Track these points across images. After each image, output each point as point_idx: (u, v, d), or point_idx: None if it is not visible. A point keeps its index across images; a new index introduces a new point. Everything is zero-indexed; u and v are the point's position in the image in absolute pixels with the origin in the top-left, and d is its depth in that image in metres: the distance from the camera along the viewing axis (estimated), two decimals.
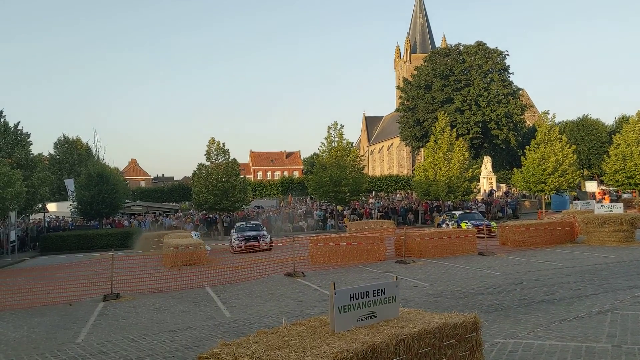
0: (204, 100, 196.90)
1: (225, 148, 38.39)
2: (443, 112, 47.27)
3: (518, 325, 9.30)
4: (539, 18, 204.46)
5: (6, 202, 25.18)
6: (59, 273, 19.13)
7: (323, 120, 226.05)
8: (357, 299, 5.41)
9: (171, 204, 59.43)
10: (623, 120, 59.90)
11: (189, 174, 45.48)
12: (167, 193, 67.06)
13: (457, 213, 29.87)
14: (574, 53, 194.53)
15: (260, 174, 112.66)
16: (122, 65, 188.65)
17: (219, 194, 36.59)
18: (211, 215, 39.94)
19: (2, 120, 32.83)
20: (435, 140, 41.74)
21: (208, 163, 38.28)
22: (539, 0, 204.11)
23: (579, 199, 43.86)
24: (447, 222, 29.52)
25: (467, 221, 27.50)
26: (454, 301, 11.66)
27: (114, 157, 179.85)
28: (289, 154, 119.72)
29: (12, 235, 30.62)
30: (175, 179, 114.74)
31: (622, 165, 44.47)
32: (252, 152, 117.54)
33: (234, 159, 39.19)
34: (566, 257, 18.89)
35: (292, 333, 5.30)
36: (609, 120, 70.17)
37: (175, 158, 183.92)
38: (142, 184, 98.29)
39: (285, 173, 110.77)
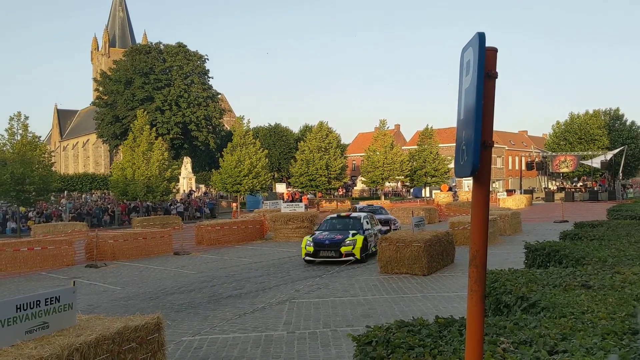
0: None
1: None
2: (143, 110, 46.17)
3: (206, 322, 9.61)
4: (236, 23, 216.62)
5: None
6: None
7: (6, 111, 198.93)
8: (24, 310, 4.86)
9: None
10: (307, 129, 67.53)
11: None
12: None
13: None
14: (270, 64, 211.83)
15: None
16: None
17: None
18: None
19: None
20: (134, 139, 40.52)
21: None
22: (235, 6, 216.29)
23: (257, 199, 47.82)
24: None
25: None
26: (145, 303, 11.47)
27: None
28: None
29: None
30: None
31: (306, 169, 50.18)
32: None
33: None
34: (255, 253, 20.34)
35: None
36: (295, 128, 78.41)
37: None
38: None
39: None
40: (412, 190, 64.76)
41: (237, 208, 43.31)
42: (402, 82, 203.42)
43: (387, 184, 57.93)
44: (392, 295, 11.45)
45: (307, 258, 16.35)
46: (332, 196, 59.62)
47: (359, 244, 16.21)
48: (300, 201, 46.17)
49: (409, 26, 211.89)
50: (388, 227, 22.31)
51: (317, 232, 17.56)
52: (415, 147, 60.37)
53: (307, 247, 16.43)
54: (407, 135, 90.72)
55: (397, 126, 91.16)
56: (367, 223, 17.95)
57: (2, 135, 35.10)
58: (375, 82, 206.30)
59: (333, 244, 16.30)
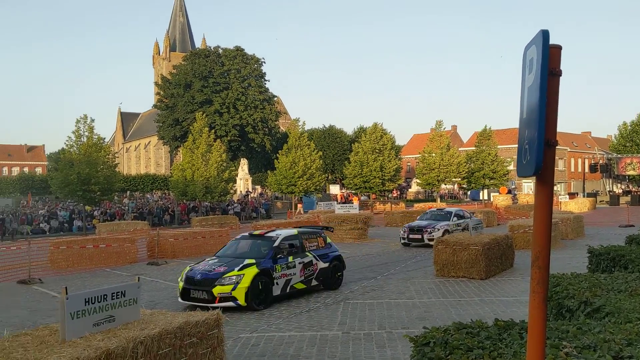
0: None
1: None
2: (202, 112, 47.37)
3: (262, 320, 9.77)
4: (297, 31, 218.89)
5: None
6: None
7: (73, 114, 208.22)
8: (93, 303, 5.10)
9: None
10: (361, 131, 67.44)
11: None
12: None
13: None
14: (325, 66, 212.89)
15: None
16: None
17: None
18: None
19: None
20: (193, 141, 41.63)
21: None
22: (296, 12, 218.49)
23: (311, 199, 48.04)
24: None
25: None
26: None
27: None
28: (31, 148, 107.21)
29: None
30: None
31: (360, 170, 50.12)
32: None
33: None
34: None
35: (15, 345, 4.77)
36: (350, 130, 78.51)
37: None
38: None
39: (25, 169, 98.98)
40: (469, 192, 63.50)
41: (301, 209, 43.61)
42: (459, 82, 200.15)
43: (442, 186, 57.04)
44: (449, 299, 11.30)
45: (180, 300, 11.30)
46: (386, 198, 59.23)
47: (246, 283, 10.52)
48: (351, 202, 46.19)
49: (469, 24, 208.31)
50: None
51: (206, 259, 12.27)
52: (473, 148, 59.15)
53: (180, 282, 11.51)
54: (464, 136, 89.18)
55: (454, 127, 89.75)
56: (291, 247, 12.08)
57: (70, 137, 36.78)
58: (431, 82, 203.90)
59: (205, 280, 10.85)
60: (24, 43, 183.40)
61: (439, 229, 21.10)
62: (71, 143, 36.96)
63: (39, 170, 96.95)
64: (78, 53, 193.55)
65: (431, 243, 17.47)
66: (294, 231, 13.02)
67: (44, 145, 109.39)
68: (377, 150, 52.11)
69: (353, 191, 55.45)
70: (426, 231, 21.15)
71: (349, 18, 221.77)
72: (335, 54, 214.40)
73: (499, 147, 58.32)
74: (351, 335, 8.50)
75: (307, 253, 12.37)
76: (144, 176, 68.57)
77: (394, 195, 64.85)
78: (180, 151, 52.16)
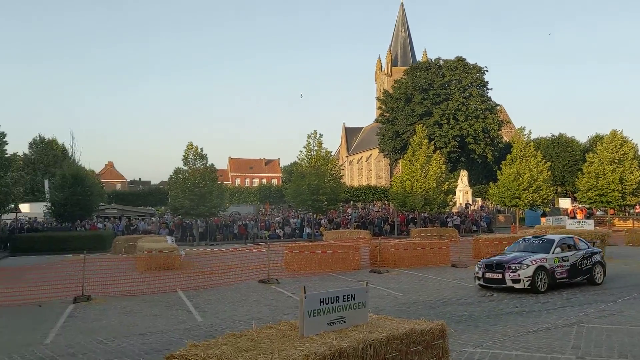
0: (182, 104, 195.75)
1: (203, 153, 38.19)
2: (422, 125, 47.71)
3: (486, 336, 9.45)
4: (519, 35, 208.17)
5: None
6: (29, 274, 18.79)
7: (303, 130, 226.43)
8: (327, 304, 5.49)
9: (147, 208, 58.85)
10: (597, 139, 61.15)
11: (166, 178, 45.10)
12: (143, 197, 66.47)
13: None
14: (551, 72, 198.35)
15: (238, 181, 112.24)
16: (101, 65, 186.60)
17: (195, 199, 36.34)
18: (187, 221, 39.64)
19: None
20: (413, 153, 42.12)
21: (185, 168, 38.04)
22: (519, 17, 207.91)
23: (546, 215, 44.55)
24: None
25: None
26: (425, 311, 11.79)
27: (90, 159, 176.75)
28: (268, 162, 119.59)
29: None
30: (152, 183, 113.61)
31: (595, 182, 45.37)
32: (230, 159, 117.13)
33: (212, 165, 39.05)
34: None
35: (261, 336, 5.35)
36: (582, 138, 71.71)
37: (152, 162, 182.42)
38: (118, 187, 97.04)
39: (264, 180, 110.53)
40: None
41: (544, 222, 40.89)
42: None
43: None
44: None
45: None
46: (627, 214, 52.66)
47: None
48: (574, 217, 42.08)
49: None
50: None
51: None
52: None
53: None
54: None
55: None
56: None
57: (301, 152, 40.17)
58: None
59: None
60: (268, 66, 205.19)
61: (529, 265, 14.38)
62: (302, 157, 40.33)
63: (274, 181, 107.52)
64: (309, 71, 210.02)
65: (517, 286, 14.07)
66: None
67: (279, 158, 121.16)
68: (616, 161, 46.72)
69: (587, 205, 50.50)
70: (509, 268, 14.46)
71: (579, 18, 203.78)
72: (567, 58, 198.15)
73: None
74: None
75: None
76: (366, 187, 71.32)
77: (636, 210, 57.36)
78: (400, 163, 53.18)
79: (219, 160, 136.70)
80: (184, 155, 37.91)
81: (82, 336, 10.20)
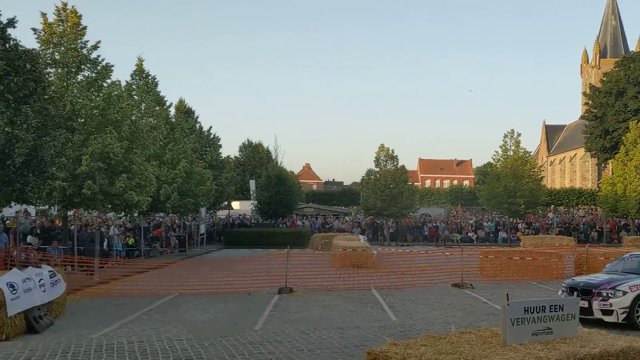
0: (372, 107, 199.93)
1: (394, 155, 38.70)
2: (636, 121, 42.61)
3: None
4: None
5: (198, 198, 28.17)
6: (239, 265, 20.81)
7: (496, 129, 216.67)
8: (531, 313, 5.22)
9: (340, 207, 61.43)
10: None
11: (358, 179, 46.67)
12: (337, 197, 69.46)
13: None
14: None
15: (428, 182, 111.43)
16: (297, 77, 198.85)
17: (386, 199, 36.99)
18: (378, 221, 40.49)
19: (198, 125, 36.85)
20: (625, 152, 37.86)
21: (377, 169, 38.88)
22: None
23: None
24: None
25: None
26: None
27: (290, 161, 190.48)
28: (460, 163, 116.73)
29: (202, 229, 34.23)
30: (344, 183, 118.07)
31: None
32: (420, 160, 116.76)
33: (403, 166, 39.38)
34: None
35: (461, 341, 5.27)
36: None
37: (345, 163, 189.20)
38: (315, 187, 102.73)
39: (455, 182, 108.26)
40: None
41: None
42: None
43: None
44: None
45: None
46: None
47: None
48: None
49: None
50: None
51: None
52: None
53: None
54: None
55: None
56: None
57: (497, 152, 38.56)
58: None
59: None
60: (464, 65, 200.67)
61: (626, 292, 10.56)
62: (498, 157, 38.70)
63: (466, 182, 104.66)
64: (500, 68, 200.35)
65: (608, 319, 10.36)
66: None
67: (471, 159, 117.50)
68: None
69: None
70: (598, 295, 10.52)
71: None
72: None
73: None
74: None
75: None
76: (569, 190, 65.94)
77: None
78: (610, 164, 48.20)
79: (409, 161, 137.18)
80: (375, 157, 38.82)
81: (286, 325, 11.01)
